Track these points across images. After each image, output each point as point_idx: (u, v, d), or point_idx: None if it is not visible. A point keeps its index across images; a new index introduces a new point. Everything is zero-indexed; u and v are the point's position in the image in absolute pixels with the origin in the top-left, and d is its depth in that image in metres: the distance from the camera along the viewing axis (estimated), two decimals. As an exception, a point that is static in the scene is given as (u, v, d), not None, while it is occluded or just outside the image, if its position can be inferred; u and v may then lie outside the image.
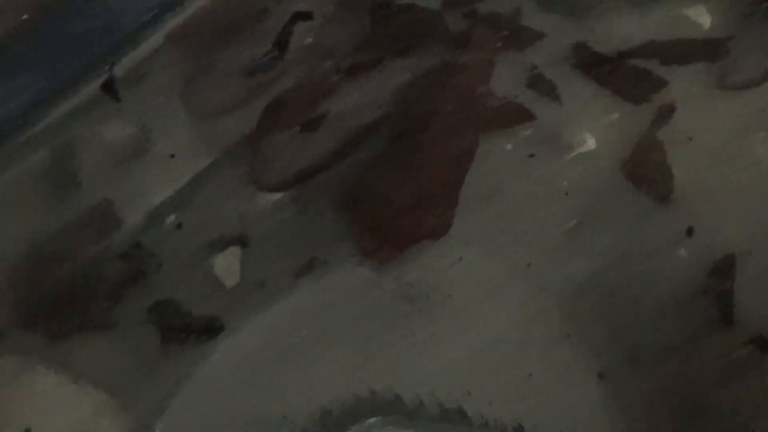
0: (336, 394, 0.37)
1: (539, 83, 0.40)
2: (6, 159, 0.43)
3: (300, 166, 0.41)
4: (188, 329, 0.39)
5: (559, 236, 0.38)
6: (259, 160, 0.41)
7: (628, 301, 0.37)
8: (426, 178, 0.40)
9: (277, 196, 0.41)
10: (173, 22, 0.44)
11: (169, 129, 0.42)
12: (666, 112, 0.39)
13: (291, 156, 0.41)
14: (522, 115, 0.40)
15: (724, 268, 0.37)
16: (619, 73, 0.40)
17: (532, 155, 0.40)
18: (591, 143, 0.39)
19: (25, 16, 0.43)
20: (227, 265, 0.40)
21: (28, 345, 0.40)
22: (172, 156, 0.42)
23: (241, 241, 0.40)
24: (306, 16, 0.43)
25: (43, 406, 0.38)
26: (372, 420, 0.37)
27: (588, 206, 0.39)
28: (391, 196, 0.40)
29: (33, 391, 0.39)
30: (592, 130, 0.40)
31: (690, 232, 0.36)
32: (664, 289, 0.37)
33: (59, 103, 0.43)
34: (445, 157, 0.40)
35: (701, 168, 0.38)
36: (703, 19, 0.40)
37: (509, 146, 0.40)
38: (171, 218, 0.41)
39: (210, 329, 0.39)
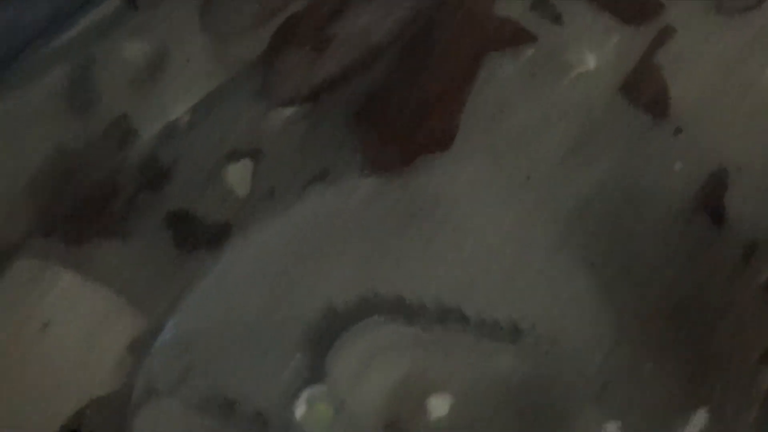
0: (341, 294, 0.38)
1: (541, 6, 0.41)
2: (25, 74, 0.44)
3: (311, 83, 0.42)
4: (201, 236, 0.41)
5: (560, 152, 0.40)
6: (272, 77, 0.42)
7: (626, 214, 0.38)
8: (431, 95, 0.41)
9: (289, 111, 0.42)
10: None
11: (186, 47, 0.44)
12: (665, 35, 0.40)
13: (302, 73, 0.42)
14: (524, 37, 0.41)
15: (716, 182, 0.38)
16: (619, -2, 0.41)
17: (533, 75, 0.41)
18: (591, 64, 0.41)
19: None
20: (239, 175, 0.41)
21: (47, 250, 0.41)
22: (188, 73, 0.43)
23: (253, 154, 0.42)
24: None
25: (60, 304, 0.40)
26: (375, 318, 0.38)
27: (588, 125, 0.40)
28: (397, 112, 0.41)
29: (51, 289, 0.40)
30: (593, 51, 0.41)
31: (678, 131, 0.38)
32: (660, 202, 0.38)
33: (78, 20, 0.45)
34: (449, 75, 0.41)
35: (697, 89, 0.40)
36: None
37: (511, 66, 0.41)
38: (186, 132, 0.42)
39: (221, 236, 0.40)
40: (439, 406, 0.38)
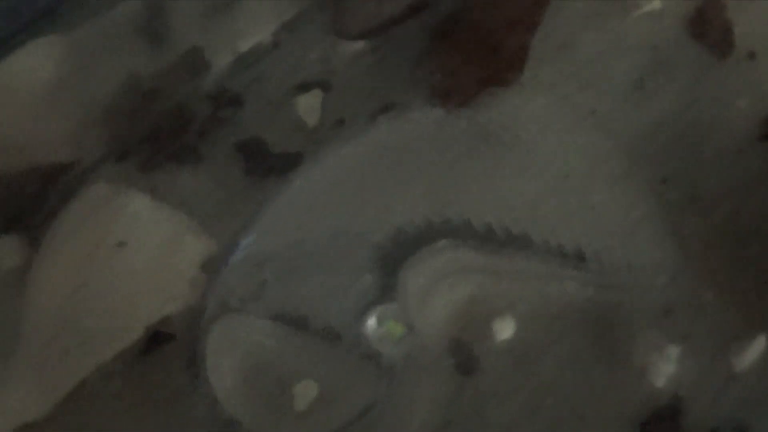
0: (410, 217, 0.39)
1: (610, -55, 0.42)
2: (101, 5, 0.45)
3: (380, 18, 0.43)
4: (271, 163, 0.42)
5: (625, 87, 0.41)
6: (342, 12, 0.43)
7: (689, 147, 0.39)
8: (499, 29, 0.42)
9: (358, 45, 0.43)
10: None
11: (258, -19, 0.45)
12: (730, -26, 0.41)
13: (372, 8, 0.43)
14: (592, -25, 0.42)
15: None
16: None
17: (600, 12, 0.42)
18: (657, 3, 0.42)
19: None
20: (309, 106, 0.42)
21: (120, 175, 0.42)
22: (260, 6, 0.44)
23: (323, 85, 0.43)
24: None
25: (134, 225, 0.41)
26: (443, 242, 0.39)
27: (652, 61, 0.41)
28: (465, 46, 0.42)
29: (126, 211, 0.41)
30: (659, -10, 0.42)
31: (741, 67, 0.38)
32: (723, 136, 0.39)
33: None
34: (517, 10, 0.42)
35: (761, 26, 0.40)
36: None
37: (579, 3, 0.42)
38: (256, 64, 0.43)
39: (292, 163, 0.41)
40: (504, 328, 0.39)
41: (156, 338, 0.38)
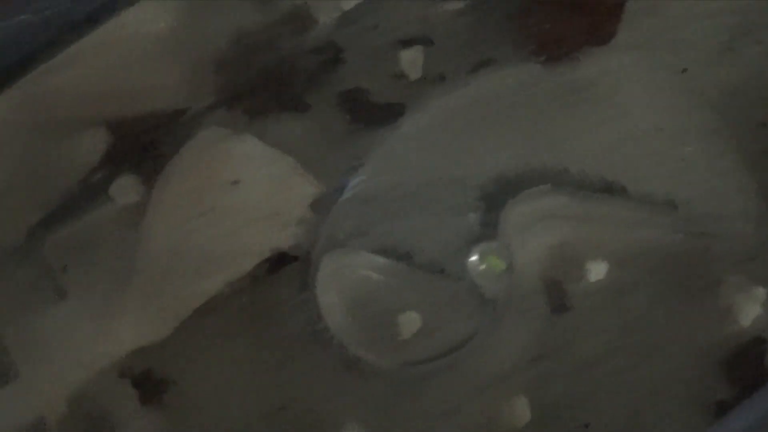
0: (511, 162, 0.41)
1: None
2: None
3: (481, -22, 0.45)
4: (375, 113, 0.44)
5: (713, 48, 0.43)
6: (444, -28, 0.46)
7: (774, 103, 0.42)
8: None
9: (459, 4, 0.45)
10: None
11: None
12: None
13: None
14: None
15: None
16: None
17: (692, -23, 0.44)
18: (746, -31, 0.44)
19: None
20: (411, 60, 0.45)
21: (230, 120, 0.45)
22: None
23: (424, 41, 0.45)
24: None
25: (247, 164, 0.44)
26: (541, 187, 0.41)
27: (740, 24, 0.43)
28: (562, 6, 0.44)
29: (238, 152, 0.44)
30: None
31: None
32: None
33: None
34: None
35: None
36: None
37: (671, -32, 0.44)
38: (361, 20, 0.46)
39: (395, 113, 0.44)
40: (597, 270, 0.41)
41: (282, 259, 0.41)
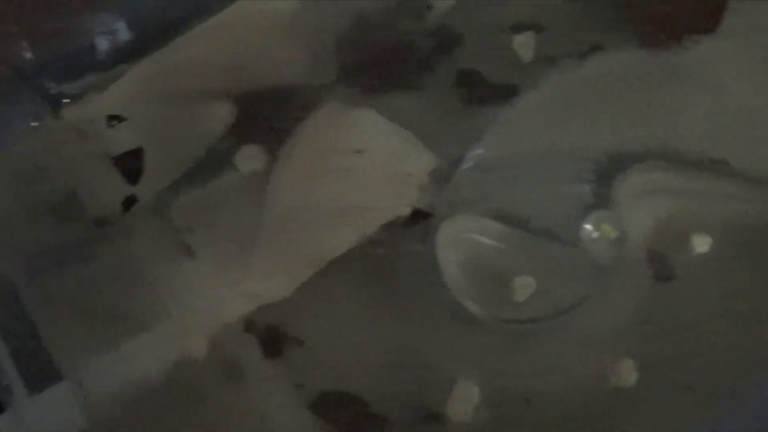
0: (621, 138, 0.44)
1: None
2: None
3: (591, -31, 0.49)
4: (489, 93, 0.47)
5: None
6: (556, -37, 0.49)
7: None
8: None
9: (568, -7, 0.49)
10: None
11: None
12: None
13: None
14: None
15: None
16: None
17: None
18: None
19: None
20: (524, 44, 0.48)
21: (349, 97, 0.48)
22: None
23: (536, 27, 0.48)
24: None
25: (368, 136, 0.47)
26: (651, 162, 0.44)
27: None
28: (669, -2, 0.47)
29: (360, 124, 0.47)
30: None
31: None
32: None
33: None
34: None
35: None
36: None
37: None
38: (476, 6, 0.49)
39: (509, 93, 0.47)
40: (701, 243, 0.44)
41: (415, 216, 0.44)
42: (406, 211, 0.45)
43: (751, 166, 0.44)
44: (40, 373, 0.33)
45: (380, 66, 0.50)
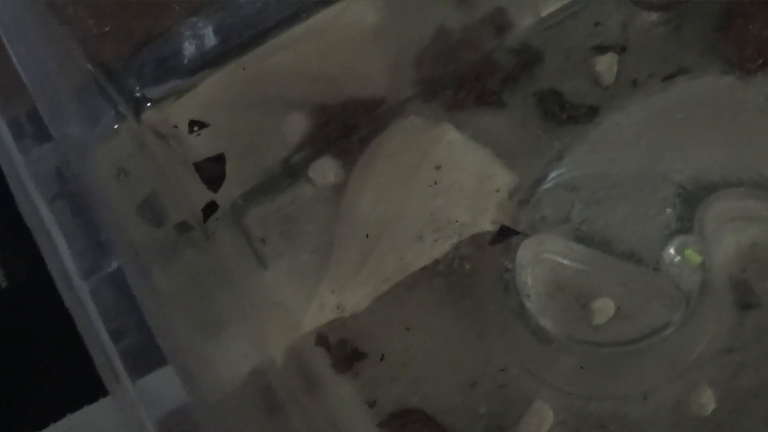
0: (708, 163, 0.44)
1: None
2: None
3: (678, -8, 0.49)
4: (570, 113, 0.47)
5: None
6: (642, -15, 0.49)
7: None
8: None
9: (654, 15, 0.49)
10: None
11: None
12: None
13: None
14: None
15: None
16: None
17: None
18: None
19: None
20: (606, 65, 0.48)
21: (428, 112, 0.48)
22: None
23: (618, 48, 0.48)
24: None
25: (448, 153, 0.47)
26: (735, 189, 0.44)
27: None
28: (758, 20, 0.47)
29: (441, 140, 0.47)
30: None
31: None
32: None
33: None
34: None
35: None
36: None
37: None
38: (558, 26, 0.49)
39: (590, 114, 0.47)
40: (785, 272, 0.44)
41: (503, 232, 0.44)
42: (491, 227, 0.45)
43: (840, 196, 0.44)
44: (144, 357, 0.33)
45: (459, 83, 0.50)
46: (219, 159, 0.46)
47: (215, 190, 0.46)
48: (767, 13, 0.48)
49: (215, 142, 0.48)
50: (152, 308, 0.34)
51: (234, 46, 0.47)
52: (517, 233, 0.44)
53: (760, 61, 0.47)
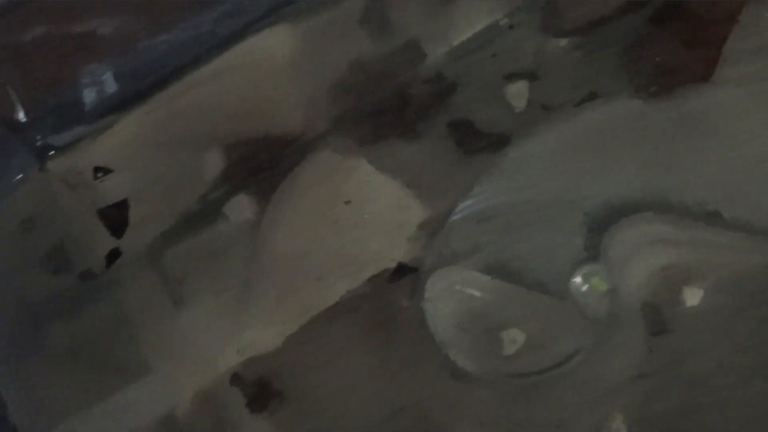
0: (616, 189, 0.45)
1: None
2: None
3: (587, 18, 0.49)
4: (482, 142, 0.48)
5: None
6: (554, 11, 0.50)
7: None
8: (696, 33, 0.48)
9: (565, 41, 0.49)
10: None
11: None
12: None
13: (580, 10, 0.49)
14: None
15: None
16: None
17: (792, 22, 0.47)
18: None
19: None
20: (517, 93, 0.49)
21: (344, 146, 0.49)
22: (474, 5, 0.51)
23: (530, 76, 0.49)
24: None
25: (359, 188, 0.47)
26: (644, 214, 0.45)
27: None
28: (665, 46, 0.48)
29: (353, 175, 0.47)
30: None
31: None
32: None
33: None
34: (713, 18, 0.48)
35: None
36: None
37: (771, 13, 0.48)
38: (470, 55, 0.50)
39: (501, 142, 0.48)
40: (692, 296, 0.44)
41: (401, 270, 0.44)
42: (390, 264, 0.46)
43: (746, 218, 0.45)
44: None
45: (375, 114, 0.50)
46: (122, 205, 0.46)
47: (119, 236, 0.46)
48: (672, 39, 0.49)
49: (124, 186, 0.48)
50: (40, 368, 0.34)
51: (139, 90, 0.48)
52: (414, 270, 0.45)
53: (665, 85, 0.48)
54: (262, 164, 0.50)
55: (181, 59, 0.47)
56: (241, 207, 0.49)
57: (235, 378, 0.46)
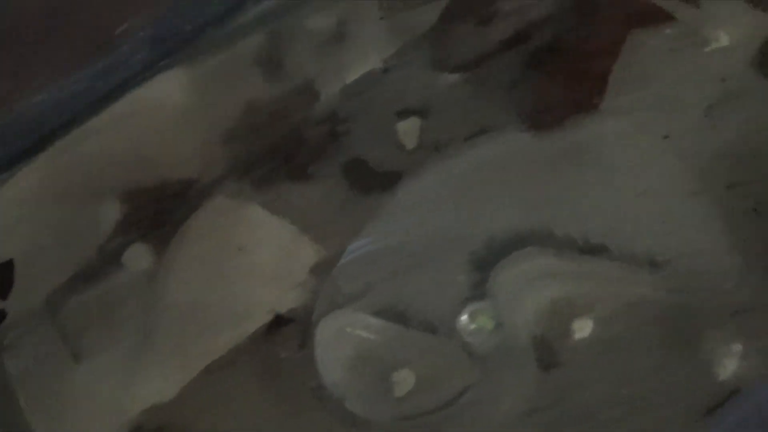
0: (501, 226, 0.46)
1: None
2: (222, 42, 0.53)
3: (476, 52, 0.50)
4: (373, 180, 0.49)
5: (696, 114, 0.47)
6: (441, 48, 0.50)
7: (753, 169, 0.45)
8: (581, 64, 0.49)
9: (455, 77, 0.50)
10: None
11: (363, 21, 0.52)
12: (792, 16, 0.47)
13: (469, 44, 0.50)
14: (664, 17, 0.49)
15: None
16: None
17: (672, 49, 0.48)
18: (725, 41, 0.48)
19: None
20: (408, 130, 0.49)
21: (239, 190, 0.50)
22: (365, 43, 0.51)
23: (421, 112, 0.50)
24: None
25: (252, 233, 0.48)
26: (529, 249, 0.45)
27: (721, 91, 0.47)
28: (550, 77, 0.48)
29: (244, 221, 0.48)
30: (726, 30, 0.48)
31: None
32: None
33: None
34: (597, 49, 0.49)
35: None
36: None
37: (653, 41, 0.48)
38: (362, 94, 0.50)
39: (393, 181, 0.48)
40: (582, 328, 0.45)
41: (278, 321, 0.45)
42: (286, 308, 0.46)
43: (631, 249, 0.45)
44: None
45: (269, 158, 0.51)
46: (7, 266, 0.47)
47: (3, 298, 0.47)
48: (556, 73, 0.49)
49: (14, 244, 0.49)
50: None
51: (31, 144, 0.48)
52: (291, 321, 0.45)
53: (554, 116, 0.48)
54: (160, 212, 0.51)
55: (60, 117, 0.47)
56: (138, 256, 0.50)
57: (135, 429, 0.47)
